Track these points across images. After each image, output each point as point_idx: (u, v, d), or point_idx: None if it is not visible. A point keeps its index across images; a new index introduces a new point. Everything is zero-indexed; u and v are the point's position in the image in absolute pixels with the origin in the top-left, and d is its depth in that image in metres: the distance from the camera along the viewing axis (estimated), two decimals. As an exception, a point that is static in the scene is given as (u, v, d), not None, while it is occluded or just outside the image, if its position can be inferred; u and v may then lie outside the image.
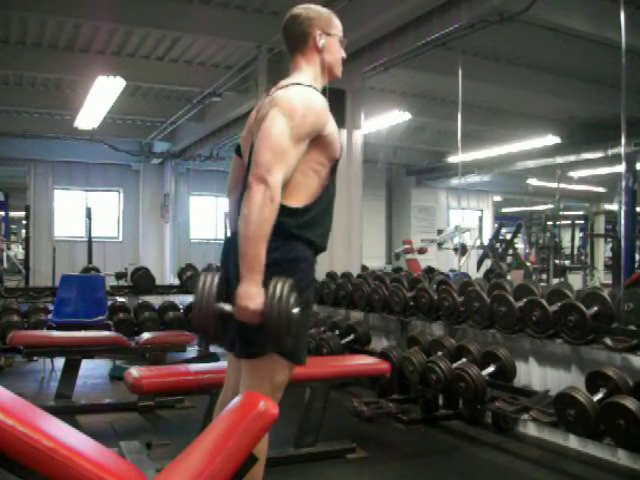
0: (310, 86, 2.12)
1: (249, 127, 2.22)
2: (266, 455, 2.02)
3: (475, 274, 9.87)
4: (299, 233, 2.06)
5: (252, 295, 1.88)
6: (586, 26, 5.80)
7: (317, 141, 2.06)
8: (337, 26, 2.25)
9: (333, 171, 2.16)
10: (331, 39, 2.22)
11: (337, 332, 5.06)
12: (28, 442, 1.39)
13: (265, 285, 1.91)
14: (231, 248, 2.17)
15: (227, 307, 1.90)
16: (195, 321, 1.91)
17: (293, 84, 2.10)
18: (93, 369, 5.44)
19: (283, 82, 2.15)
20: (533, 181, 13.36)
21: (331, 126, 2.11)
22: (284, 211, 2.01)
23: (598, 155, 9.79)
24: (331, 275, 5.83)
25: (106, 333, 5.05)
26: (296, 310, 1.87)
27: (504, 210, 18.30)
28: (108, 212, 12.64)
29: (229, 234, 2.33)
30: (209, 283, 1.90)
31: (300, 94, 2.06)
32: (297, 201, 2.04)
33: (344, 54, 2.29)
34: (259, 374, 2.05)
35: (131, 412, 4.27)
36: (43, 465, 1.41)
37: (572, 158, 10.36)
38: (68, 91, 8.70)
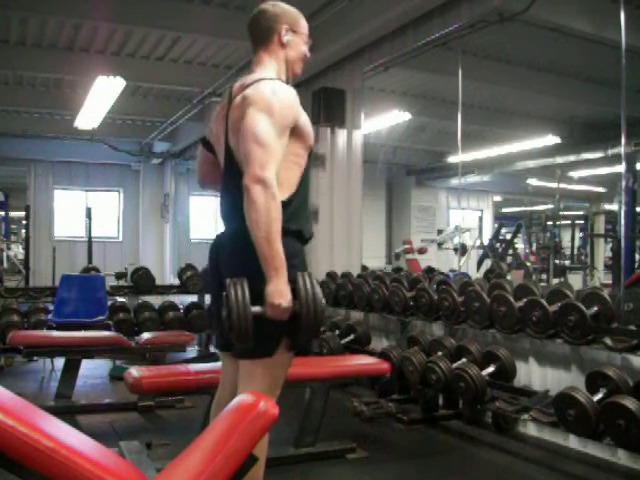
0: (275, 79, 2.14)
1: (219, 125, 2.22)
2: (266, 455, 2.03)
3: (475, 274, 9.86)
4: (288, 226, 2.07)
5: (283, 292, 1.92)
6: (586, 26, 5.79)
7: (293, 132, 2.09)
8: (304, 25, 2.29)
9: (309, 158, 2.20)
10: (296, 36, 2.24)
11: (337, 332, 5.06)
12: (28, 442, 1.39)
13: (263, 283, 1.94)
14: (219, 249, 2.19)
15: (257, 309, 1.94)
16: (233, 328, 1.92)
17: (260, 79, 2.11)
18: (93, 369, 5.44)
19: (248, 78, 2.16)
20: (533, 181, 13.35)
21: (303, 116, 2.14)
22: None
23: (598, 155, 9.79)
24: (331, 275, 5.82)
25: (106, 333, 5.05)
26: (324, 301, 1.96)
27: (504, 210, 18.29)
28: (108, 212, 12.63)
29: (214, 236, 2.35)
30: (240, 290, 1.93)
31: (271, 88, 2.08)
32: (281, 194, 2.05)
33: (308, 54, 2.32)
34: (259, 373, 2.06)
35: (131, 412, 4.27)
36: (43, 465, 1.41)
37: (572, 158, 10.35)
38: (68, 91, 8.69)
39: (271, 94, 2.05)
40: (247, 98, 2.06)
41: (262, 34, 2.23)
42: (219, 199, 2.28)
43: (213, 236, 2.33)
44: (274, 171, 1.96)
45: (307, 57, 2.33)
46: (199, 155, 2.40)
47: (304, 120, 2.15)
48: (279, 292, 1.92)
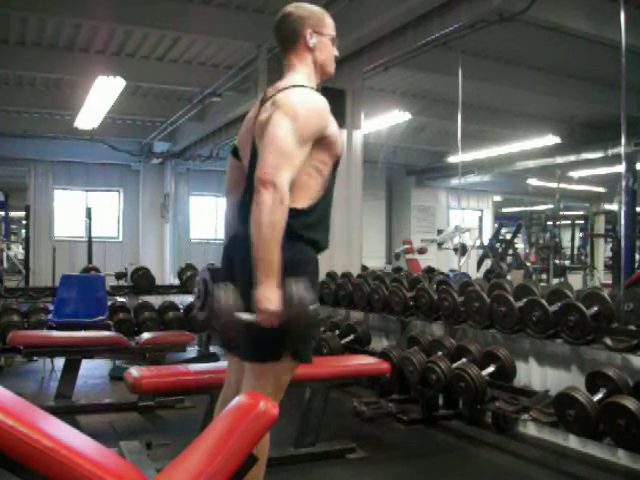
0: (307, 86, 2.13)
1: (248, 129, 2.21)
2: (267, 455, 2.03)
3: (475, 274, 9.86)
4: (305, 234, 2.07)
5: (271, 298, 1.89)
6: (586, 26, 5.80)
7: (320, 141, 2.07)
8: (329, 25, 2.25)
9: (334, 169, 2.17)
10: (323, 38, 2.21)
11: (337, 332, 5.06)
12: (28, 442, 1.39)
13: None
14: (234, 253, 2.17)
15: (246, 316, 1.92)
16: (220, 333, 1.95)
17: (292, 86, 2.10)
18: (93, 369, 5.44)
19: (281, 83, 2.15)
20: (533, 181, 13.36)
21: (333, 126, 2.12)
22: (290, 213, 2.01)
23: (598, 155, 9.79)
24: (331, 275, 5.82)
25: (106, 333, 5.05)
26: (313, 307, 1.92)
27: (504, 210, 18.30)
28: (108, 212, 12.63)
29: (227, 237, 2.32)
30: (226, 295, 1.92)
31: (301, 96, 2.06)
32: (302, 202, 2.05)
33: (337, 53, 2.29)
34: (265, 376, 2.06)
35: (131, 412, 4.27)
36: (43, 465, 1.41)
37: (572, 158, 10.35)
38: (68, 91, 8.69)
39: (300, 101, 2.03)
40: (276, 102, 2.05)
41: (288, 38, 2.20)
42: (239, 201, 2.22)
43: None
44: (288, 177, 1.94)
45: (337, 56, 2.29)
46: (228, 164, 2.36)
47: (334, 130, 2.12)
48: (266, 298, 1.89)
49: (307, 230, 2.07)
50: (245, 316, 1.92)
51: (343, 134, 6.65)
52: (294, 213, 2.02)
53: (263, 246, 1.90)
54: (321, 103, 2.09)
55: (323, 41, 2.21)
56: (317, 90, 2.19)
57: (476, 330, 4.07)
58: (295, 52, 2.20)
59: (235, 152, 2.29)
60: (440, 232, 12.48)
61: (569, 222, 13.27)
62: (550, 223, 11.09)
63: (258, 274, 1.91)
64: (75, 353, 4.39)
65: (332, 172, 2.15)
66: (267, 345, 2.02)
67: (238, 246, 2.17)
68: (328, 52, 2.24)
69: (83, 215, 10.23)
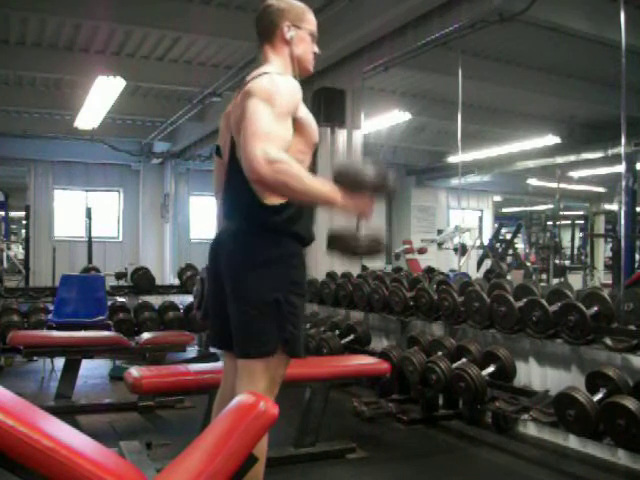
0: (280, 74, 2.11)
1: (226, 125, 2.20)
2: (266, 455, 2.03)
3: (475, 274, 9.86)
4: (287, 228, 2.06)
5: (338, 193, 1.97)
6: (586, 26, 5.80)
7: (294, 126, 2.05)
8: (309, 20, 2.23)
9: (314, 157, 2.16)
10: (301, 32, 2.20)
11: (337, 332, 5.06)
12: (28, 442, 1.39)
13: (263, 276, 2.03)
14: (220, 247, 2.19)
15: (354, 225, 2.08)
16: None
17: (261, 74, 2.09)
18: (93, 369, 5.44)
19: (252, 74, 2.14)
20: (533, 181, 13.36)
21: (303, 108, 2.11)
22: (269, 209, 2.03)
23: (598, 155, 9.78)
24: (331, 275, 5.82)
25: (106, 333, 5.05)
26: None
27: (504, 210, 18.30)
28: (108, 212, 12.63)
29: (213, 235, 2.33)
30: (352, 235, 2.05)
31: (270, 79, 2.05)
32: (280, 197, 2.03)
33: (317, 49, 2.27)
34: (259, 372, 2.06)
35: (131, 412, 4.27)
36: (43, 465, 1.41)
37: (572, 158, 10.35)
38: (68, 91, 8.69)
39: (270, 83, 2.01)
40: (248, 91, 2.03)
41: (266, 30, 2.19)
42: (222, 197, 2.24)
43: (213, 236, 2.33)
44: (277, 149, 1.88)
45: (317, 53, 2.28)
46: (214, 165, 2.36)
47: (305, 114, 2.11)
48: (333, 194, 1.96)
49: (289, 224, 2.07)
50: (353, 226, 2.06)
51: (343, 134, 6.66)
52: (273, 209, 2.03)
53: (305, 193, 1.92)
54: (290, 82, 2.07)
55: (301, 35, 2.20)
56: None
57: (476, 330, 4.07)
58: (271, 44, 2.19)
59: (218, 151, 2.29)
60: (440, 232, 12.47)
61: (569, 222, 13.28)
62: (550, 223, 11.10)
63: (322, 202, 2.00)
64: (75, 353, 4.39)
65: (311, 161, 2.14)
66: (259, 341, 2.03)
67: (224, 241, 2.18)
68: (305, 47, 2.22)
69: (83, 215, 10.23)
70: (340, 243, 2.05)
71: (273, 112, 1.95)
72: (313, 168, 2.16)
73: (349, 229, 2.05)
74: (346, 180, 1.98)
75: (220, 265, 2.16)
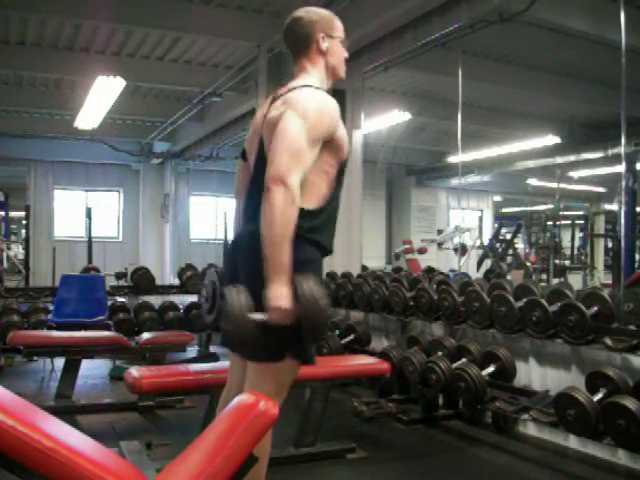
0: (320, 88, 2.13)
1: (255, 130, 2.21)
2: (269, 455, 2.03)
3: (475, 274, 9.87)
4: (309, 236, 2.06)
5: (282, 296, 1.89)
6: (586, 26, 5.80)
7: (329, 143, 2.08)
8: (339, 27, 2.26)
9: (341, 172, 2.17)
10: (334, 41, 2.23)
11: (337, 332, 5.06)
12: (28, 442, 1.39)
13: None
14: (238, 252, 2.17)
15: (258, 316, 1.91)
16: (233, 336, 1.93)
17: (304, 86, 2.11)
18: (93, 369, 5.44)
19: (293, 83, 2.16)
20: (533, 181, 13.36)
21: (342, 128, 2.13)
22: (297, 213, 2.02)
23: (598, 155, 9.79)
24: (331, 275, 5.82)
25: (106, 333, 5.04)
26: (324, 302, 1.91)
27: (504, 210, 18.30)
28: (108, 212, 12.64)
29: (232, 237, 2.32)
30: (239, 297, 1.91)
31: (313, 96, 2.07)
32: (309, 203, 2.05)
33: (347, 55, 2.31)
34: (267, 375, 2.06)
35: (131, 412, 4.27)
36: (43, 465, 1.41)
37: (572, 158, 10.36)
38: (68, 91, 8.70)
39: (312, 101, 2.04)
40: (287, 100, 2.05)
41: (301, 43, 2.20)
42: (245, 200, 2.23)
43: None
44: (298, 177, 1.93)
45: (347, 58, 2.31)
46: (238, 167, 2.37)
47: (342, 133, 2.13)
48: (278, 295, 1.89)
49: (312, 232, 2.07)
50: (257, 316, 1.91)
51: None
52: (301, 213, 2.02)
53: (274, 245, 1.90)
54: (332, 105, 2.10)
55: (334, 44, 2.23)
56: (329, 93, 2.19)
57: (476, 330, 4.07)
58: (308, 56, 2.21)
59: (244, 155, 2.30)
60: (440, 232, 12.49)
61: (569, 222, 13.28)
62: (550, 223, 11.10)
63: (269, 272, 1.91)
64: (75, 353, 4.39)
65: (338, 176, 2.15)
66: (270, 345, 2.02)
67: (243, 246, 2.17)
68: (339, 55, 2.26)
69: (83, 215, 10.23)
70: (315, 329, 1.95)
71: (307, 132, 1.98)
72: (339, 178, 2.16)
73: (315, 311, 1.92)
74: (303, 302, 1.89)
75: (238, 267, 2.15)
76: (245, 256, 2.13)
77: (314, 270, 2.09)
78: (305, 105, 2.02)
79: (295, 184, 1.91)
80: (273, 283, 1.90)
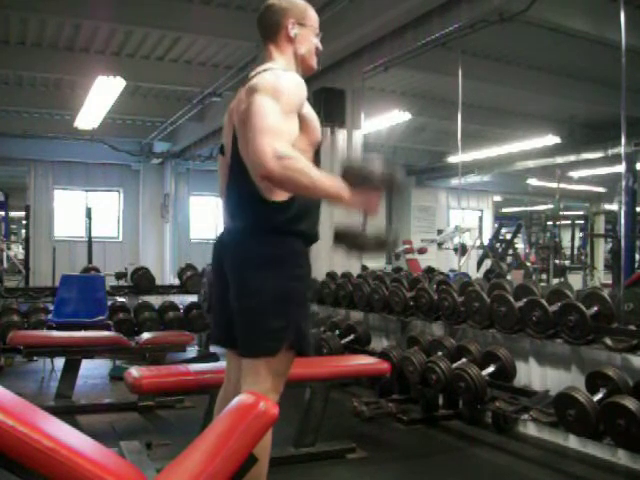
0: (280, 69, 2.10)
1: (229, 122, 2.18)
2: (269, 454, 2.03)
3: (475, 274, 9.86)
4: (290, 227, 2.05)
5: (345, 188, 1.94)
6: (586, 26, 5.79)
7: (300, 124, 2.04)
8: (312, 17, 2.24)
9: (316, 156, 2.15)
10: (305, 30, 2.20)
11: (337, 332, 5.06)
12: (28, 442, 1.39)
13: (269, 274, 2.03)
14: (224, 248, 2.18)
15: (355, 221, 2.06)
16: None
17: (266, 69, 2.09)
18: (93, 369, 5.44)
19: (255, 70, 2.13)
20: (533, 181, 13.36)
21: (308, 106, 2.10)
22: (271, 206, 2.02)
23: (598, 155, 9.78)
24: (331, 275, 5.82)
25: (106, 333, 5.05)
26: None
27: (504, 210, 18.30)
28: (108, 212, 12.63)
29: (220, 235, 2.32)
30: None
31: (275, 74, 2.04)
32: (283, 194, 2.02)
33: (320, 46, 2.27)
34: (263, 371, 2.06)
35: (131, 412, 4.27)
36: (43, 465, 1.41)
37: (572, 158, 10.34)
38: (68, 91, 8.69)
39: (275, 78, 2.01)
40: (251, 87, 2.02)
41: (270, 29, 2.18)
42: (225, 196, 2.21)
43: (213, 236, 2.33)
44: (284, 145, 1.87)
45: (320, 50, 2.27)
46: (218, 165, 2.32)
47: (309, 111, 2.10)
48: (340, 190, 1.94)
49: (292, 223, 2.06)
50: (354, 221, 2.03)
51: (343, 134, 6.66)
52: (276, 206, 2.02)
53: (317, 190, 1.91)
54: (295, 78, 2.07)
55: (304, 33, 2.20)
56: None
57: (476, 330, 4.07)
58: (275, 43, 2.19)
59: (222, 150, 2.27)
60: (440, 232, 12.48)
61: (569, 222, 13.28)
62: (550, 223, 11.10)
63: (329, 197, 1.97)
64: (75, 353, 4.39)
65: (313, 159, 2.11)
66: (265, 340, 2.02)
67: (228, 240, 2.18)
68: (309, 44, 2.22)
69: (83, 215, 10.23)
70: (347, 239, 2.03)
71: (279, 108, 1.94)
72: (314, 163, 2.13)
73: (356, 225, 2.04)
74: (353, 176, 1.96)
75: (224, 265, 2.16)
76: (230, 254, 2.14)
77: (302, 262, 2.09)
78: (269, 83, 1.99)
79: (284, 150, 1.84)
80: (340, 194, 1.94)
